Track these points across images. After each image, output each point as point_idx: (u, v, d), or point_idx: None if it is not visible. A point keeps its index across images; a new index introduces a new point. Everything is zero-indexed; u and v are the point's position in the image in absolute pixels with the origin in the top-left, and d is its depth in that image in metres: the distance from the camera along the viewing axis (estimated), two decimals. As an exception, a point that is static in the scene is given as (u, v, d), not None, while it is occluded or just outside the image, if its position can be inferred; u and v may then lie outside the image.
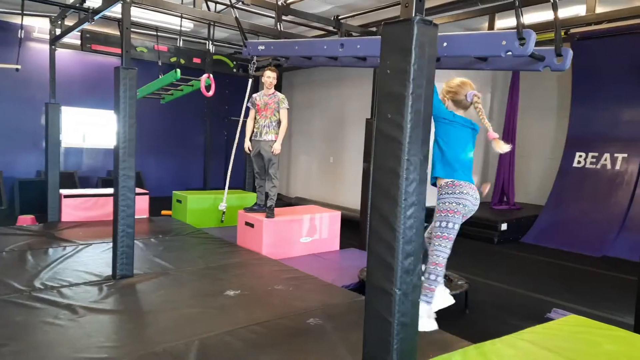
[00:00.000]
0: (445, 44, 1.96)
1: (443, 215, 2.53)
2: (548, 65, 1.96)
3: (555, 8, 1.89)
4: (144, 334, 2.65)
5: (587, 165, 6.70)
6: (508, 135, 7.57)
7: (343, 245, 5.22)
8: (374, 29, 5.46)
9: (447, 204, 2.56)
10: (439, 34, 1.99)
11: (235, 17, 3.69)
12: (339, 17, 5.28)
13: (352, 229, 5.92)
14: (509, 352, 1.85)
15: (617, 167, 6.40)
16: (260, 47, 3.18)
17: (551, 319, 2.77)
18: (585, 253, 5.81)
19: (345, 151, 8.26)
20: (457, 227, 2.58)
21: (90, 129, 8.39)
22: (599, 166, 6.59)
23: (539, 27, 4.84)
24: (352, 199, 7.46)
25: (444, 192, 2.59)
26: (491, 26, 4.60)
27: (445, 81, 2.63)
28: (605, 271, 5.07)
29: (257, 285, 3.56)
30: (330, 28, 5.59)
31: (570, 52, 1.76)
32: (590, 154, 6.71)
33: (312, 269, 4.14)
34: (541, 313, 3.45)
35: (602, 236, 6.00)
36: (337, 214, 5.22)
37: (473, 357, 1.76)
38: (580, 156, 6.84)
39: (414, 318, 1.51)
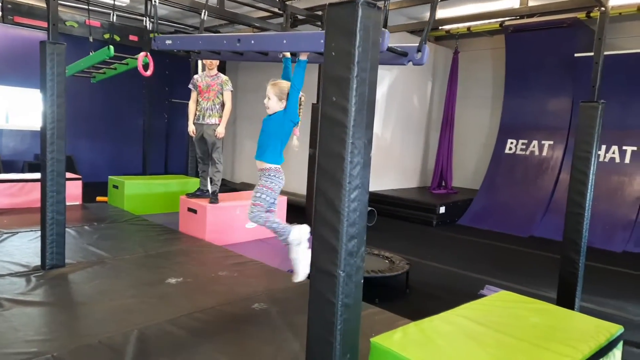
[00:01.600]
0: (285, 41, 2.28)
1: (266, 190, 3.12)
2: (411, 59, 2.15)
3: (433, 9, 2.15)
4: (77, 326, 2.51)
5: (518, 152, 7.15)
6: (447, 122, 7.89)
7: (289, 230, 5.22)
8: (319, 12, 5.42)
9: (272, 183, 3.13)
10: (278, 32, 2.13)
11: (153, 4, 3.57)
12: (285, 0, 5.19)
13: (298, 214, 5.93)
14: (446, 327, 1.94)
15: (544, 153, 6.89)
16: (168, 42, 3.23)
17: (484, 295, 2.95)
18: (515, 234, 6.23)
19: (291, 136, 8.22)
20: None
21: (14, 108, 7.71)
22: (527, 152, 7.06)
23: (481, 17, 5.04)
24: (298, 185, 7.46)
25: (272, 175, 3.14)
26: (432, 16, 4.72)
27: (274, 82, 3.00)
28: (532, 250, 5.47)
29: (200, 272, 3.48)
30: (276, 10, 5.48)
31: (427, 49, 1.98)
32: (521, 141, 7.16)
33: (257, 254, 4.11)
34: (475, 290, 3.67)
35: (529, 218, 6.46)
36: (283, 200, 5.21)
37: (413, 334, 1.83)
38: (511, 143, 7.28)
39: (357, 299, 1.54)
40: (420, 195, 7.41)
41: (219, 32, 7.42)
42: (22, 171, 7.45)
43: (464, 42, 7.92)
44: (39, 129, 3.58)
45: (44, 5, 5.54)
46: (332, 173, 1.50)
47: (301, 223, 5.46)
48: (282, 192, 6.72)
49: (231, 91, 4.75)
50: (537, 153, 6.97)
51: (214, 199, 4.65)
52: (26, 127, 7.80)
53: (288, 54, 2.94)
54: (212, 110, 4.69)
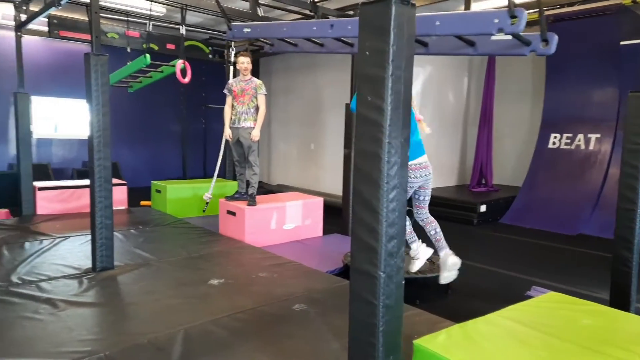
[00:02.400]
0: (438, 23, 1.96)
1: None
2: (534, 49, 2.00)
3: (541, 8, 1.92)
4: (127, 326, 2.61)
5: (562, 146, 6.85)
6: (485, 118, 7.68)
7: (326, 231, 5.23)
8: (350, 12, 5.40)
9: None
10: (430, 13, 2.01)
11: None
12: (316, 1, 5.20)
13: (334, 215, 5.93)
14: (491, 330, 1.89)
15: (591, 147, 6.57)
16: (246, 30, 3.03)
17: (531, 297, 2.85)
18: (561, 232, 5.97)
19: (325, 137, 8.24)
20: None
21: (62, 118, 8.13)
22: (573, 147, 6.75)
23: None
24: (333, 185, 7.47)
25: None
26: (467, 8, 4.61)
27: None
28: (581, 249, 5.23)
29: (240, 274, 3.54)
30: (307, 12, 5.51)
31: (556, 37, 1.79)
32: (565, 135, 6.86)
33: (296, 256, 4.14)
34: (521, 292, 3.54)
35: (577, 215, 6.17)
36: (320, 200, 5.23)
37: (457, 336, 1.79)
38: (555, 137, 6.98)
39: (398, 300, 1.52)
40: (459, 194, 7.24)
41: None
42: (71, 178, 7.84)
43: (501, 34, 7.68)
44: (85, 138, 3.75)
45: (86, 18, 5.81)
46: (368, 173, 1.49)
47: (337, 224, 5.47)
48: (317, 193, 6.78)
49: (265, 95, 4.81)
50: (583, 147, 6.65)
51: (251, 201, 4.72)
52: (73, 136, 8.21)
53: None
54: (247, 114, 4.77)
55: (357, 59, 1.48)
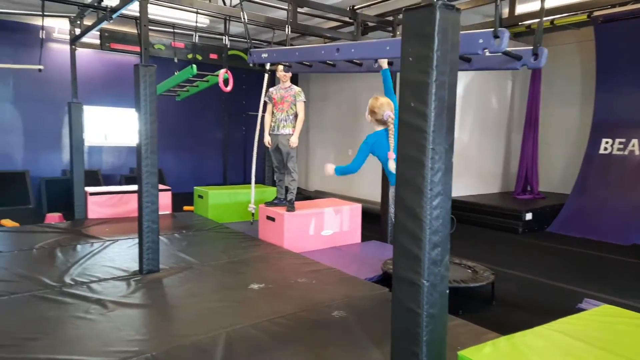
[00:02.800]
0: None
1: None
2: (525, 63, 2.04)
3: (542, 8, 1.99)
4: (171, 327, 2.70)
5: (614, 152, 6.51)
6: (530, 123, 7.42)
7: (364, 237, 5.20)
8: (390, 18, 5.38)
9: None
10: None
11: (244, 21, 3.72)
12: (355, 7, 5.22)
13: (372, 222, 5.90)
14: (540, 343, 1.81)
15: (646, 152, 6.20)
16: (264, 55, 3.29)
17: (583, 310, 2.71)
18: (614, 242, 5.66)
19: (364, 143, 8.20)
20: None
21: (111, 127, 8.53)
22: (626, 152, 6.39)
23: (562, 10, 4.71)
24: (372, 192, 7.41)
25: None
26: (512, 12, 4.48)
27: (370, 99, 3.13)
28: (635, 260, 4.93)
29: (280, 279, 3.58)
30: (346, 19, 5.53)
31: (546, 52, 1.86)
32: (617, 140, 6.51)
33: (334, 262, 4.14)
34: (570, 304, 3.38)
35: (630, 224, 5.83)
36: (358, 207, 5.20)
37: (504, 348, 1.73)
38: (606, 142, 6.64)
39: (442, 309, 1.49)
40: (503, 201, 7.00)
41: (292, 44, 7.64)
42: (119, 184, 8.19)
43: (546, 36, 7.39)
44: (132, 145, 3.90)
45: (135, 31, 6.09)
46: (412, 180, 1.47)
47: (375, 231, 5.42)
48: (355, 199, 6.75)
49: (304, 102, 4.86)
50: (637, 152, 6.29)
51: (290, 207, 4.77)
52: (121, 143, 8.59)
53: (386, 65, 2.98)
54: (286, 121, 4.83)
55: (401, 65, 1.47)
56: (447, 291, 1.50)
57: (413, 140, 1.46)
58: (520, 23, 6.52)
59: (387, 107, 3.12)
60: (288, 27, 3.66)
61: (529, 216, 6.25)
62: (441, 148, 1.43)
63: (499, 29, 1.77)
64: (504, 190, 8.04)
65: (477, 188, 7.51)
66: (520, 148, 7.60)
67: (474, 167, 7.51)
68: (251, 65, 3.40)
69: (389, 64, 3.05)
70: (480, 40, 1.76)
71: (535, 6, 5.40)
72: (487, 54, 1.78)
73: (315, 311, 2.93)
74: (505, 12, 4.62)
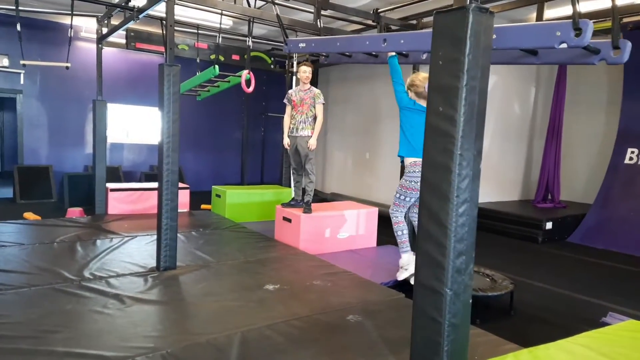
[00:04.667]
0: (494, 36, 1.89)
1: (404, 190, 3.34)
2: (604, 58, 1.83)
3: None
4: (187, 324, 2.70)
5: (641, 162, 6.33)
6: (553, 131, 7.27)
7: (380, 242, 5.16)
8: (414, 21, 5.34)
9: (411, 182, 3.27)
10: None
11: (277, 14, 3.71)
12: (378, 10, 5.20)
13: (388, 226, 5.83)
14: (564, 357, 1.76)
15: (675, 164, 6.01)
16: (301, 45, 3.19)
17: (607, 324, 2.63)
18: (638, 254, 5.50)
19: (381, 147, 8.16)
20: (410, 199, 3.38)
21: (133, 125, 8.66)
22: (653, 163, 6.21)
23: (592, 16, 4.60)
24: (388, 195, 7.35)
25: (410, 171, 3.26)
26: (539, 16, 4.40)
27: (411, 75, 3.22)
28: (661, 274, 4.78)
29: (295, 280, 3.57)
30: (370, 22, 5.51)
31: (629, 45, 1.63)
32: (644, 150, 6.33)
33: (350, 265, 4.11)
34: (593, 317, 3.29)
35: (657, 237, 5.66)
36: (375, 210, 5.17)
37: (525, 362, 1.68)
38: (632, 152, 6.46)
39: (464, 319, 1.45)
40: (523, 209, 6.87)
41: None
42: (139, 180, 8.32)
43: (573, 42, 7.26)
44: (152, 143, 3.93)
45: (160, 31, 6.17)
46: (437, 186, 1.45)
47: (391, 235, 5.37)
48: (371, 203, 6.71)
49: (323, 104, 4.86)
50: (665, 163, 6.11)
51: (307, 208, 4.76)
52: (142, 141, 8.72)
53: (394, 53, 3.03)
54: (305, 122, 4.83)
55: (430, 68, 1.44)
56: (470, 301, 1.46)
57: (440, 145, 1.43)
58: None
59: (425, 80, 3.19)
60: (320, 21, 3.53)
61: (549, 225, 6.12)
62: (469, 154, 1.40)
63: (582, 20, 1.57)
64: (524, 198, 7.89)
65: (496, 195, 7.39)
66: (542, 155, 7.46)
67: (494, 174, 7.39)
68: (286, 52, 3.33)
69: (405, 55, 3.04)
70: (558, 33, 1.59)
71: (564, 12, 5.28)
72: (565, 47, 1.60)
73: (331, 314, 2.91)
74: (533, 16, 4.54)
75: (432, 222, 1.45)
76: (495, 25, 1.84)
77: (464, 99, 1.37)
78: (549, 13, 4.97)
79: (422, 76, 3.26)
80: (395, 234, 3.61)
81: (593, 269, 4.95)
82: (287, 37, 3.48)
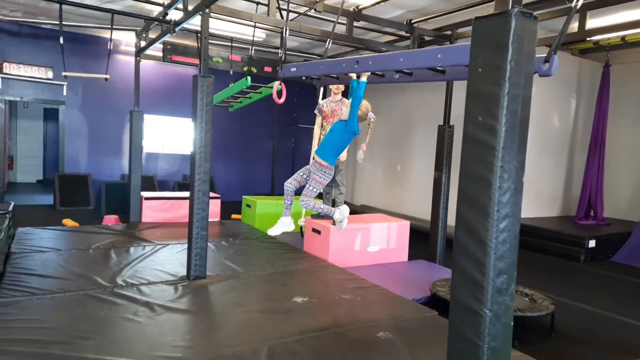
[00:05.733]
0: (439, 56, 2.05)
1: (318, 184, 3.56)
2: (536, 71, 1.84)
3: (568, 19, 1.74)
4: (215, 335, 2.68)
5: (693, 178, 5.95)
6: (596, 144, 6.96)
7: (411, 256, 5.03)
8: (448, 32, 5.25)
9: (325, 179, 3.55)
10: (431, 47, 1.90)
11: (282, 35, 3.82)
12: (412, 22, 5.14)
13: (420, 240, 5.70)
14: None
15: None
16: (293, 69, 3.39)
17: (659, 352, 2.43)
18: (691, 277, 5.14)
19: (412, 159, 8.03)
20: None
21: (168, 135, 8.88)
22: None
23: (636, 25, 4.39)
24: (420, 208, 7.20)
25: (325, 171, 3.52)
26: (582, 26, 4.23)
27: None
28: None
29: (324, 293, 3.50)
30: (403, 33, 5.46)
31: (556, 59, 1.69)
32: (697, 165, 5.96)
33: (380, 279, 4.01)
34: (638, 342, 3.06)
35: None
36: (406, 224, 5.05)
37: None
38: (682, 167, 6.09)
39: (505, 343, 1.36)
40: (564, 226, 6.57)
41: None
42: (173, 189, 8.49)
43: (616, 54, 6.96)
44: (186, 153, 3.96)
45: (195, 44, 6.32)
46: (476, 199, 1.37)
47: (423, 250, 5.24)
48: (401, 216, 6.58)
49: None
50: None
51: (337, 221, 4.69)
52: (177, 151, 8.92)
53: (354, 76, 3.26)
54: (336, 134, 4.78)
55: (469, 76, 1.38)
56: (512, 323, 1.37)
57: (479, 157, 1.35)
58: (587, 39, 6.18)
59: (370, 109, 3.60)
60: (329, 42, 3.68)
61: (592, 243, 5.82)
62: (511, 166, 1.32)
63: (552, 55, 1.66)
64: (564, 214, 7.55)
65: (534, 210, 7.10)
66: (584, 170, 7.13)
67: (532, 188, 7.12)
68: (282, 77, 3.49)
69: (442, 72, 3.07)
70: None
71: (606, 21, 5.07)
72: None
73: (360, 330, 2.83)
74: (575, 26, 4.37)
75: (471, 238, 1.37)
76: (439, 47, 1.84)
77: (506, 107, 1.29)
78: (592, 23, 4.77)
79: (365, 103, 3.52)
80: (321, 211, 3.82)
81: (639, 291, 4.65)
82: (284, 62, 3.66)
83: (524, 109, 1.32)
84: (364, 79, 3.22)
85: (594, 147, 6.97)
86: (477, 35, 1.36)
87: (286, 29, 4.04)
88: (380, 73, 3.02)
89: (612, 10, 4.74)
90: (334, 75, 3.47)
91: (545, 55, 1.76)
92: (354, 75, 3.30)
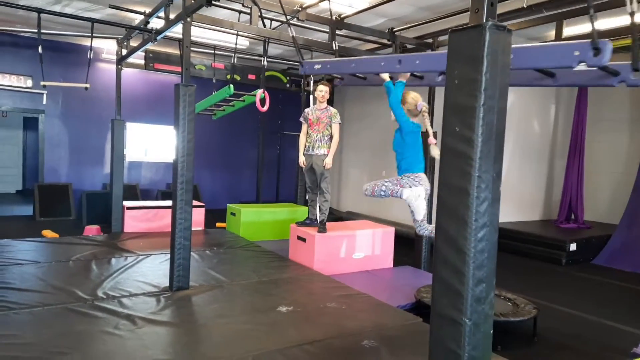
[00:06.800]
0: (511, 56, 1.86)
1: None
2: (623, 80, 1.78)
3: (632, 15, 1.67)
4: (198, 348, 2.65)
5: (668, 181, 6.11)
6: (575, 149, 7.10)
7: (396, 262, 5.05)
8: (429, 40, 5.32)
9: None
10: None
11: (292, 36, 3.73)
12: (394, 30, 5.20)
13: (405, 246, 5.73)
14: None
15: None
16: (317, 66, 3.17)
17: (638, 355, 2.48)
18: (669, 278, 5.26)
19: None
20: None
21: (151, 143, 8.78)
22: (681, 182, 5.99)
23: (611, 34, 4.51)
24: (405, 215, 7.23)
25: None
26: (559, 34, 4.33)
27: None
28: (694, 300, 4.54)
29: (309, 302, 3.49)
30: (385, 41, 5.51)
31: (610, 45, 1.56)
32: (671, 169, 6.12)
33: (365, 287, 4.02)
34: (621, 345, 3.12)
35: (688, 260, 5.41)
36: (391, 230, 5.07)
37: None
38: (658, 171, 6.26)
39: (485, 351, 1.37)
40: (546, 230, 6.67)
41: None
42: (156, 199, 8.39)
43: (593, 59, 7.13)
44: (169, 161, 3.92)
45: (178, 52, 6.29)
46: (455, 209, 1.38)
47: (408, 256, 5.26)
48: (387, 222, 6.62)
49: (339, 123, 4.84)
50: (694, 183, 5.88)
51: (322, 228, 4.70)
52: (160, 159, 8.82)
53: (387, 77, 3.17)
54: (321, 141, 4.80)
55: (446, 88, 1.39)
56: (492, 331, 1.38)
57: (457, 167, 1.37)
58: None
59: (419, 99, 3.33)
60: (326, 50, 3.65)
61: (573, 247, 5.92)
62: (488, 176, 1.34)
63: (600, 40, 1.54)
64: (546, 218, 7.68)
65: (516, 215, 7.21)
66: (564, 174, 7.27)
67: (514, 193, 7.23)
68: (302, 74, 3.33)
69: (420, 77, 3.06)
70: (577, 53, 1.55)
71: (583, 29, 5.20)
72: (583, 68, 1.55)
73: (346, 339, 2.82)
74: (552, 34, 4.47)
75: (449, 248, 1.38)
76: (512, 46, 1.80)
77: (482, 119, 1.32)
78: (568, 31, 4.89)
79: (413, 94, 3.33)
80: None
81: (621, 293, 4.74)
82: (302, 58, 3.47)
83: (499, 120, 1.34)
84: (402, 79, 3.05)
85: (574, 151, 7.11)
86: (453, 48, 1.38)
87: (291, 28, 3.88)
88: (419, 74, 2.92)
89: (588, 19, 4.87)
90: (362, 76, 3.31)
91: (632, 62, 1.65)
92: (386, 77, 3.17)
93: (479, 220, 1.33)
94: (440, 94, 5.09)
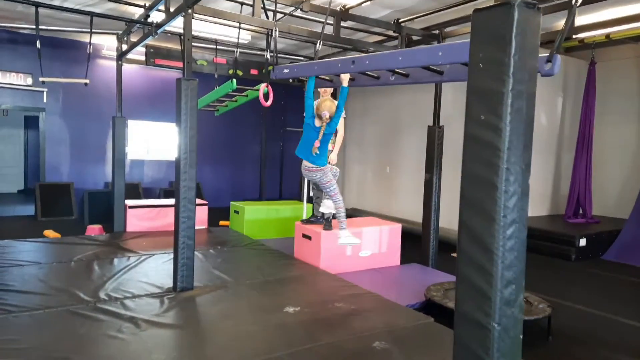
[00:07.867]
0: (440, 53, 1.99)
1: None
2: (538, 70, 1.80)
3: (569, 16, 1.69)
4: (204, 351, 2.56)
5: (680, 174, 5.98)
6: (583, 142, 6.96)
7: (404, 260, 4.94)
8: (436, 31, 5.19)
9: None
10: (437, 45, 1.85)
11: (274, 37, 3.77)
12: (400, 21, 5.07)
13: (411, 242, 5.62)
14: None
15: None
16: (285, 71, 3.30)
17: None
18: (682, 273, 5.14)
19: (402, 160, 7.96)
20: None
21: (153, 141, 8.68)
22: (694, 175, 5.86)
23: (620, 21, 4.38)
24: (410, 210, 7.14)
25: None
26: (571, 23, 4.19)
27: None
28: None
29: (317, 302, 3.39)
30: (391, 33, 5.39)
31: (559, 58, 1.65)
32: (684, 162, 5.99)
33: (373, 285, 3.92)
34: (638, 342, 3.01)
35: (702, 254, 5.29)
36: (398, 227, 4.97)
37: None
38: (669, 164, 6.13)
39: (515, 357, 1.26)
40: (554, 225, 6.55)
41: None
42: (159, 197, 8.30)
43: (601, 51, 6.98)
44: (172, 159, 3.83)
45: (179, 47, 6.18)
46: (480, 204, 1.27)
47: (415, 253, 5.17)
48: (392, 218, 6.51)
49: (344, 118, 4.72)
50: None
51: (327, 225, 4.60)
52: (162, 157, 8.72)
53: (346, 83, 3.29)
54: (325, 137, 4.69)
55: (469, 73, 1.29)
56: (521, 336, 1.28)
57: (483, 159, 1.26)
58: (574, 36, 6.19)
59: (327, 108, 3.63)
60: (319, 43, 3.60)
61: (583, 242, 5.80)
62: (517, 168, 1.23)
63: (554, 54, 1.59)
64: (554, 213, 7.55)
65: (524, 210, 7.07)
66: (572, 168, 7.14)
67: (521, 188, 7.11)
68: (274, 79, 3.38)
69: (351, 79, 3.25)
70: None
71: (591, 19, 5.06)
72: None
73: (355, 341, 2.72)
74: (560, 24, 4.34)
75: (475, 246, 1.28)
76: (441, 44, 1.78)
77: (510, 105, 1.21)
78: (576, 20, 4.77)
79: (328, 105, 3.63)
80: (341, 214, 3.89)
81: (633, 289, 4.63)
82: (277, 63, 3.53)
83: (529, 107, 1.24)
84: (345, 84, 3.20)
85: (582, 144, 6.98)
86: (476, 29, 1.27)
87: (276, 29, 3.91)
88: (375, 75, 2.94)
89: (597, 7, 4.72)
90: (327, 78, 3.40)
91: (547, 55, 1.70)
92: (346, 78, 3.25)
93: (508, 216, 1.23)
94: (443, 92, 4.97)
